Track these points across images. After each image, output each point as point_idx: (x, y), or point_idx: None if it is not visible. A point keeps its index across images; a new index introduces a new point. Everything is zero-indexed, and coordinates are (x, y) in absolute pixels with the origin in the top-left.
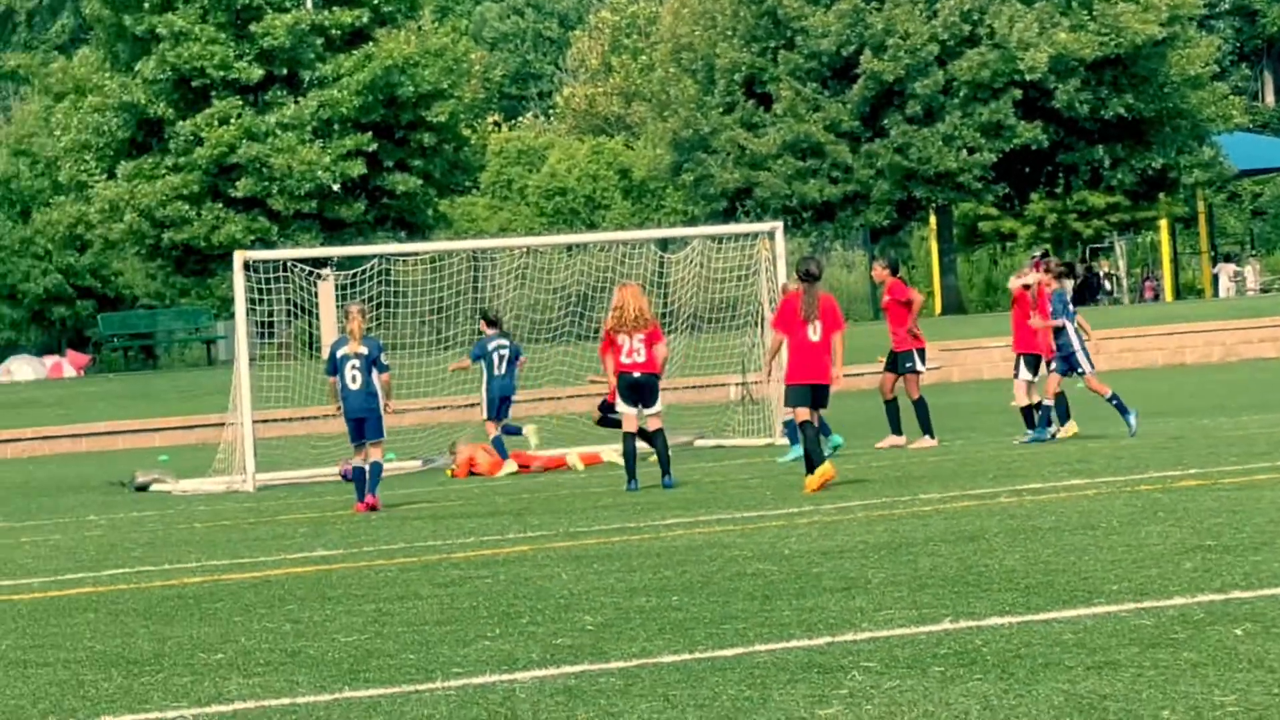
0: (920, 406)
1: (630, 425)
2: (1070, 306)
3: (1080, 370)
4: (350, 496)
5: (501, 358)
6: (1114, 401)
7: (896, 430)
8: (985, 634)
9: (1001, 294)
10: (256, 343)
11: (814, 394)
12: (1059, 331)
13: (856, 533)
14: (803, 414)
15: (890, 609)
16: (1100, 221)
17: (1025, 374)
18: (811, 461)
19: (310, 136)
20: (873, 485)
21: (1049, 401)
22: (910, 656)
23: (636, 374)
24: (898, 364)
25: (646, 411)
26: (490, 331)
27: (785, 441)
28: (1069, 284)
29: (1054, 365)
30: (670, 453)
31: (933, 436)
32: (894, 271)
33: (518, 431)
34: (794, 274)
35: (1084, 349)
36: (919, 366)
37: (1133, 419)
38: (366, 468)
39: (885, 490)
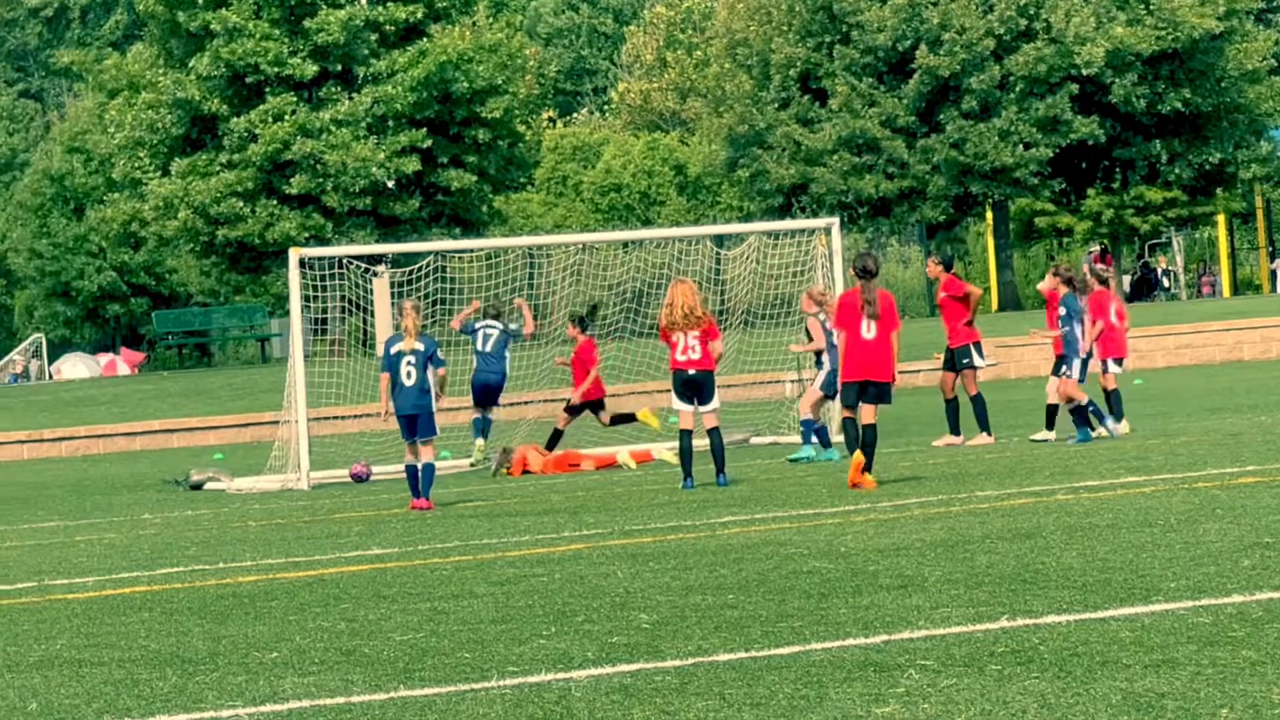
0: (978, 403)
1: (686, 423)
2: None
3: (1066, 373)
4: (405, 494)
5: (487, 337)
6: (1091, 407)
7: (955, 430)
8: (1042, 632)
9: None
10: (311, 340)
11: (865, 390)
12: (1068, 337)
13: (913, 530)
14: (848, 411)
15: (947, 607)
16: (1157, 217)
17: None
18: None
19: (365, 133)
20: (929, 483)
21: (1064, 403)
22: (967, 655)
23: (691, 370)
24: (955, 360)
25: (702, 409)
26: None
27: (839, 439)
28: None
29: (1064, 369)
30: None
31: (990, 434)
32: (947, 268)
33: (478, 436)
34: (849, 270)
35: (1085, 359)
36: (977, 362)
37: (1110, 423)
38: (419, 465)
39: (942, 488)
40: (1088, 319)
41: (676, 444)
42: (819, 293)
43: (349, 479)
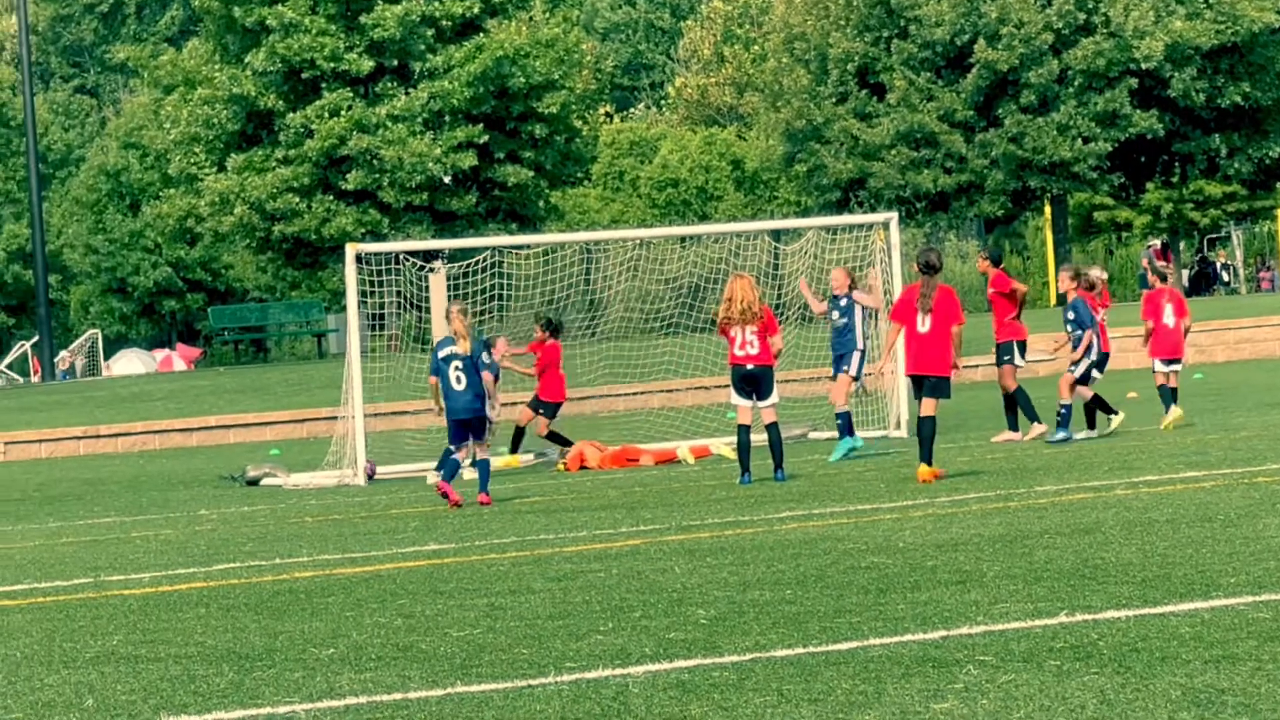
0: (1020, 396)
1: (745, 418)
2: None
3: (1071, 369)
4: (464, 491)
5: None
6: (1062, 411)
7: (1013, 426)
8: (1101, 628)
9: (1117, 284)
10: (368, 335)
11: (920, 384)
12: (1076, 343)
13: (971, 525)
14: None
15: (1005, 602)
16: (1217, 211)
17: (1092, 372)
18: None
19: (421, 128)
20: (987, 477)
21: (1071, 400)
22: (1026, 650)
23: (749, 366)
24: (998, 355)
25: (761, 404)
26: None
27: (900, 433)
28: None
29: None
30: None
31: (1040, 422)
32: (996, 263)
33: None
34: (910, 265)
35: (1095, 362)
36: (1017, 360)
37: (1061, 434)
38: (473, 460)
39: (1000, 482)
40: (1098, 326)
41: (735, 439)
42: (853, 275)
43: (402, 476)
